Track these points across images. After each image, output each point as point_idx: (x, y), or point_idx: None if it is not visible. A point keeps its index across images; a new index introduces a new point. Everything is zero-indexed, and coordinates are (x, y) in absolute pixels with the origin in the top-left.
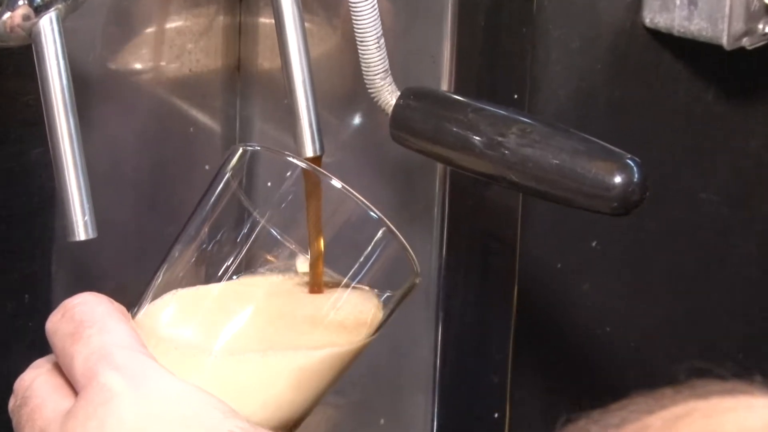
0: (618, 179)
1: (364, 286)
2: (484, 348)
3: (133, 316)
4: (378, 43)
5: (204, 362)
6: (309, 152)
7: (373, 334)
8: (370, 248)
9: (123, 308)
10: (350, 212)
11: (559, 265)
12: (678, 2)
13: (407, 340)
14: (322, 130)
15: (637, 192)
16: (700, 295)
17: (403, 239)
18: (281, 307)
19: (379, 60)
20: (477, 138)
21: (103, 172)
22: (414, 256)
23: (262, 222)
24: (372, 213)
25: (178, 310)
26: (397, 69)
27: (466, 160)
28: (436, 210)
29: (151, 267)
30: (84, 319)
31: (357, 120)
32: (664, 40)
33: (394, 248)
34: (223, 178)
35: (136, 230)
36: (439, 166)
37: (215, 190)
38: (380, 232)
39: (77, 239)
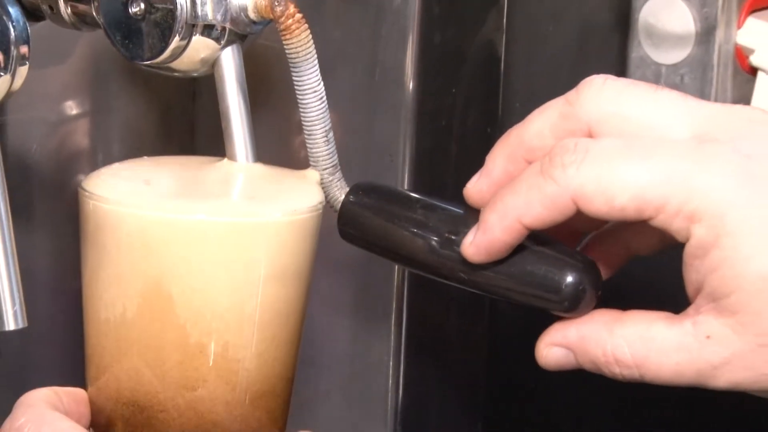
0: (569, 278)
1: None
2: None
3: None
4: (326, 137)
5: None
6: None
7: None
8: None
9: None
10: None
11: None
12: None
13: None
14: None
15: (588, 290)
16: None
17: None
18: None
19: (327, 155)
20: (428, 236)
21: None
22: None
23: None
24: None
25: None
26: (356, 166)
27: (417, 259)
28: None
29: None
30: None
31: None
32: None
33: None
34: None
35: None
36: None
37: None
38: None
39: (7, 329)
